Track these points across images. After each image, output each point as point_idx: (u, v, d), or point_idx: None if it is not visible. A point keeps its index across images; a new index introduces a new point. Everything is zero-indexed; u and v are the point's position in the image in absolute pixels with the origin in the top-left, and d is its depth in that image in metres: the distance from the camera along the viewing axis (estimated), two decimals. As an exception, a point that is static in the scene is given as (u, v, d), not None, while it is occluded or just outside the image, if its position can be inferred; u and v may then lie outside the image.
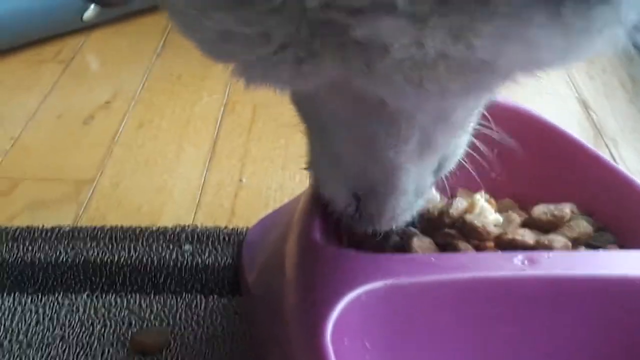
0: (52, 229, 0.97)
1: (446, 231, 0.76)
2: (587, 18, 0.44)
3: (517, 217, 0.79)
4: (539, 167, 0.86)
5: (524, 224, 0.79)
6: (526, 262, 0.65)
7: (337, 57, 0.47)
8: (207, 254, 0.93)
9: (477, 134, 0.69)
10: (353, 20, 0.43)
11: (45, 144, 1.19)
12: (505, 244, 0.74)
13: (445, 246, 0.74)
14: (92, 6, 1.51)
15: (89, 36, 1.54)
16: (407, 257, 0.69)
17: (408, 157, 0.61)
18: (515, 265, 0.65)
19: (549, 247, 0.72)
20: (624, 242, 0.77)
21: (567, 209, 0.80)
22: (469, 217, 0.76)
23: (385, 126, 0.58)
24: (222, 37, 0.47)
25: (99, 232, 0.96)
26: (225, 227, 0.98)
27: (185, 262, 0.92)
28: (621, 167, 1.11)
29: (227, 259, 0.92)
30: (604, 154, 1.14)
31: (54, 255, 0.92)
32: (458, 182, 0.73)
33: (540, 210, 0.80)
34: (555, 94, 1.34)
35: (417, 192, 0.66)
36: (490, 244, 0.76)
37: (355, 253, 0.67)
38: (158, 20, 1.61)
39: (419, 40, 0.43)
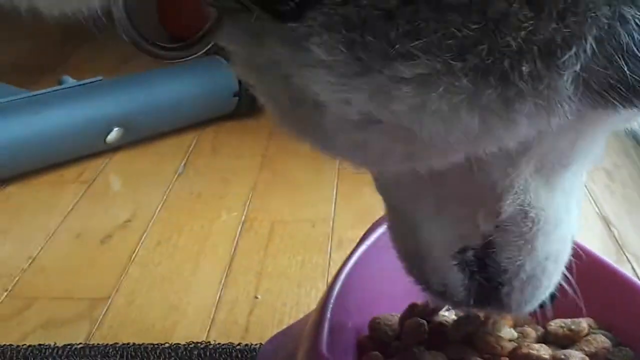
0: (64, 346, 0.96)
1: (459, 345, 0.75)
2: (507, 108, 0.46)
3: (532, 332, 0.77)
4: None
5: (540, 339, 0.77)
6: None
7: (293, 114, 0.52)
8: (218, 372, 0.92)
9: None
10: (294, 72, 0.48)
11: (62, 263, 1.20)
12: (520, 359, 0.72)
13: (456, 361, 0.72)
14: (116, 129, 1.54)
15: (112, 158, 1.57)
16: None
17: None
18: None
19: (565, 360, 0.71)
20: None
21: (584, 323, 0.78)
22: (482, 331, 0.75)
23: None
24: None
25: (111, 350, 0.95)
26: (239, 344, 0.97)
27: (196, 380, 0.90)
28: (643, 282, 1.09)
29: (239, 377, 0.91)
30: (625, 269, 1.13)
31: (64, 374, 0.91)
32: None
33: (557, 325, 0.78)
34: (576, 209, 1.33)
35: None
36: (504, 359, 0.74)
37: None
38: (180, 141, 1.65)
39: (347, 99, 0.47)
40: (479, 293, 0.65)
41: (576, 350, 0.74)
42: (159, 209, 1.36)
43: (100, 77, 1.62)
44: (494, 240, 0.62)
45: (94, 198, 1.41)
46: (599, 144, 0.60)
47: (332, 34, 0.46)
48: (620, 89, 0.45)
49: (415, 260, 0.68)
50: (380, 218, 0.89)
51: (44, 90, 1.56)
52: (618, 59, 0.44)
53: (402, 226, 0.67)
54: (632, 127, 0.58)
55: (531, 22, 0.43)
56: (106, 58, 1.90)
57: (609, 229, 1.26)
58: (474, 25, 0.43)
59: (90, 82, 1.60)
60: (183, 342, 0.97)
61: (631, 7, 0.43)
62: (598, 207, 1.33)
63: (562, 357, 0.72)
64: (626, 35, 0.44)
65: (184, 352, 0.95)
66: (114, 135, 1.55)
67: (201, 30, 0.55)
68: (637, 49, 0.44)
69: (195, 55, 0.56)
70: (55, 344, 0.97)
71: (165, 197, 1.40)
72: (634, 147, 1.53)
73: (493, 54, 0.44)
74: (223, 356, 0.94)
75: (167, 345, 0.96)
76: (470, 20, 0.43)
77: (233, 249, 1.22)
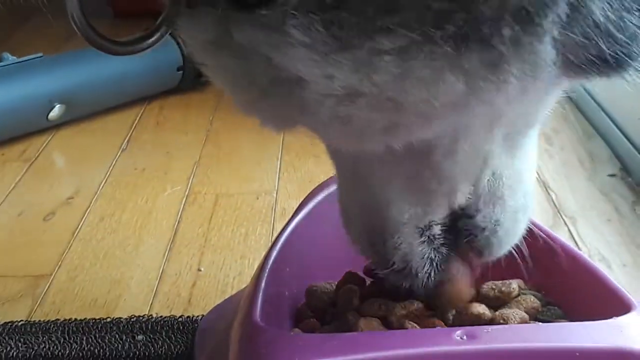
0: (4, 324, 0.96)
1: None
2: (494, 70, 0.48)
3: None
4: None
5: (473, 300, 0.79)
6: (465, 337, 0.65)
7: (279, 94, 0.53)
8: (160, 344, 0.92)
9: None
10: (275, 53, 0.50)
11: (4, 241, 1.19)
12: (464, 318, 0.73)
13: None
14: (58, 106, 1.53)
15: (55, 135, 1.56)
16: (347, 336, 0.68)
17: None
18: (454, 339, 0.65)
19: (506, 322, 0.72)
20: (573, 318, 0.77)
21: (514, 284, 0.79)
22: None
23: None
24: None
25: (52, 326, 0.95)
26: (181, 316, 0.98)
27: (138, 352, 0.91)
28: (580, 244, 1.12)
29: (181, 348, 0.92)
30: (562, 232, 1.15)
31: (4, 351, 0.91)
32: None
33: (489, 287, 0.80)
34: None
35: None
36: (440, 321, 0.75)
37: (294, 334, 0.67)
38: (124, 117, 1.64)
39: (329, 74, 0.49)
40: (442, 264, 0.68)
41: (515, 309, 0.75)
42: (102, 185, 1.36)
43: (40, 54, 1.60)
44: (467, 206, 0.66)
45: (37, 175, 1.41)
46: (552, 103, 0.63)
47: (307, 16, 0.47)
48: (597, 63, 0.49)
49: (375, 239, 0.68)
50: (316, 188, 0.90)
51: (-17, 68, 1.53)
52: (593, 34, 0.47)
53: (362, 206, 0.68)
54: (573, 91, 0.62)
55: None
56: (48, 35, 1.88)
57: (547, 192, 1.29)
58: None
59: (31, 59, 1.58)
60: (125, 316, 0.98)
61: None
62: (537, 171, 1.35)
63: (502, 319, 0.73)
64: (598, 10, 0.46)
65: (126, 326, 0.95)
66: (56, 112, 1.53)
67: (153, 19, 0.56)
68: (609, 25, 0.47)
69: (148, 49, 0.56)
70: (-4, 321, 0.97)
71: (108, 173, 1.40)
72: (573, 111, 1.55)
73: (470, 21, 0.46)
74: (165, 328, 0.94)
75: (109, 319, 0.96)
76: None
77: (176, 223, 1.23)
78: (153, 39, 0.55)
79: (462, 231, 0.67)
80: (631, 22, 0.47)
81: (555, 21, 0.46)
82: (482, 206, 0.66)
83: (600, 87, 0.55)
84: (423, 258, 0.67)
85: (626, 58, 0.49)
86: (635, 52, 0.49)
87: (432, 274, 0.68)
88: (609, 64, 0.49)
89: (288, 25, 0.48)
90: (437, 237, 0.67)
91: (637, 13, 0.47)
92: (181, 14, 0.54)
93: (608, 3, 0.47)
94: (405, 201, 0.65)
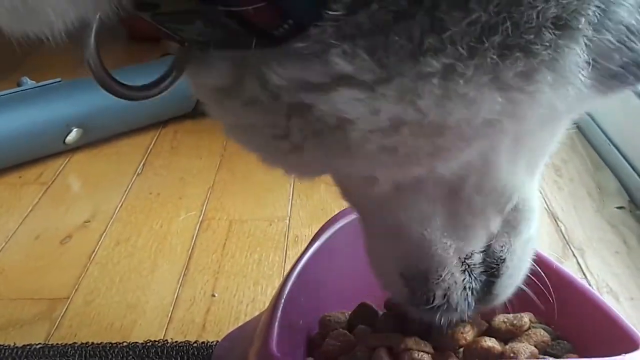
0: (23, 347, 0.97)
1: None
2: (529, 80, 0.48)
3: (475, 327, 0.80)
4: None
5: (484, 333, 0.80)
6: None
7: (316, 143, 0.53)
8: (175, 369, 0.94)
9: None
10: (316, 99, 0.49)
11: (22, 264, 1.21)
12: (473, 352, 0.75)
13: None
14: (75, 130, 1.55)
15: (71, 158, 1.59)
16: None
17: None
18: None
19: (516, 356, 0.73)
20: (582, 352, 0.78)
21: (526, 318, 0.81)
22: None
23: None
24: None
25: (70, 349, 0.97)
26: (196, 342, 0.99)
27: (154, 377, 0.93)
28: (588, 276, 1.13)
29: (195, 374, 0.93)
30: (570, 264, 1.17)
31: (23, 373, 0.93)
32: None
33: (500, 320, 0.81)
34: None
35: None
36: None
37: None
38: (139, 141, 1.66)
39: (374, 108, 0.49)
40: (479, 292, 0.69)
41: (525, 343, 0.77)
42: (118, 209, 1.38)
43: (59, 79, 1.62)
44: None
45: (53, 199, 1.43)
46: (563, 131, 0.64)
47: (350, 43, 0.47)
48: (633, 67, 0.50)
49: (415, 279, 0.68)
50: (332, 217, 0.92)
51: (2, 92, 1.56)
52: (625, 38, 0.48)
53: (397, 247, 0.68)
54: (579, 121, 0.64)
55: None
56: (65, 59, 1.90)
57: (556, 223, 1.30)
58: (494, 8, 0.45)
59: (49, 84, 1.61)
60: (141, 341, 0.99)
61: None
62: (546, 202, 1.37)
63: (512, 353, 0.74)
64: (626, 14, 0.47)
65: (142, 351, 0.97)
66: (73, 136, 1.56)
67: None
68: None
69: (160, 95, 0.57)
70: (14, 344, 0.98)
71: (124, 197, 1.42)
72: (582, 142, 1.57)
73: (515, 29, 0.46)
74: (180, 354, 0.96)
75: (125, 344, 0.98)
76: (490, 2, 0.45)
77: (191, 248, 1.25)
78: (165, 83, 0.55)
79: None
80: None
81: (587, 26, 0.47)
82: (500, 233, 0.67)
83: (609, 119, 0.56)
84: (465, 289, 0.68)
85: None
86: None
87: (471, 302, 0.69)
88: None
89: (331, 55, 0.47)
90: (478, 265, 0.68)
91: None
92: (192, 58, 0.54)
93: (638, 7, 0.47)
94: (447, 237, 0.65)
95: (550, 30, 0.46)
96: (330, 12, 0.46)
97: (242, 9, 0.47)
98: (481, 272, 0.68)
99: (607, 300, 1.01)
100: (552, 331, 0.80)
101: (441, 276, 0.67)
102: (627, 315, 1.02)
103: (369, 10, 0.46)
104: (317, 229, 0.90)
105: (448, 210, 0.64)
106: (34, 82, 1.61)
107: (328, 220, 0.91)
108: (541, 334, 0.79)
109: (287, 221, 1.33)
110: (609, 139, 1.51)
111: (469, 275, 0.68)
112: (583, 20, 0.47)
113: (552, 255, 0.90)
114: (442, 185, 0.60)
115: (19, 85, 1.60)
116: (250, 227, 1.31)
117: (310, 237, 0.90)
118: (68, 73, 1.70)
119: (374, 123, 0.50)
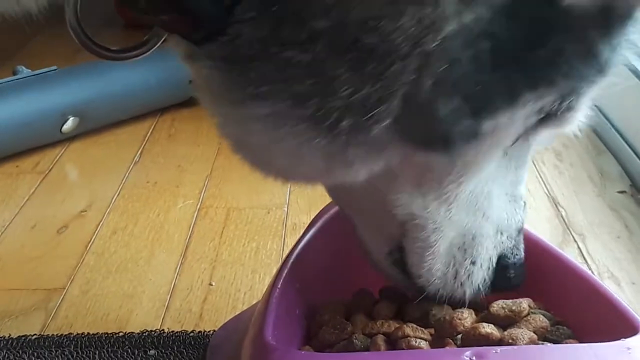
0: (18, 337, 0.97)
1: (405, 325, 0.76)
2: (343, 152, 0.56)
3: (472, 313, 0.79)
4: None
5: (482, 319, 0.79)
6: (474, 357, 0.66)
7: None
8: (172, 359, 0.93)
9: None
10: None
11: (17, 254, 1.20)
12: (472, 338, 0.74)
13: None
14: (71, 118, 1.54)
15: (68, 147, 1.58)
16: (356, 356, 0.69)
17: None
18: (463, 360, 0.65)
19: (514, 342, 0.73)
20: (582, 337, 0.77)
21: (524, 304, 0.80)
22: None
23: None
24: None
25: (65, 340, 0.96)
26: (192, 331, 0.99)
27: (150, 367, 0.92)
28: (589, 261, 1.12)
29: (192, 363, 0.92)
30: (571, 249, 1.16)
31: (18, 364, 0.92)
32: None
33: (499, 306, 0.80)
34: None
35: None
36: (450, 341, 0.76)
37: (305, 352, 0.67)
38: (137, 129, 1.65)
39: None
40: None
41: (524, 329, 0.76)
42: (115, 198, 1.37)
43: (55, 67, 1.61)
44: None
45: (50, 188, 1.42)
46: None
47: (216, 62, 0.55)
48: (433, 136, 0.55)
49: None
50: (327, 205, 0.91)
51: (-2, 81, 1.55)
52: (425, 113, 0.53)
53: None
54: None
55: (353, 84, 0.51)
56: (61, 47, 1.89)
57: (557, 208, 1.29)
58: (309, 81, 0.51)
59: (45, 72, 1.59)
60: (137, 331, 0.99)
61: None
62: (546, 187, 1.36)
63: (511, 339, 0.74)
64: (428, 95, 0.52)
65: (138, 341, 0.96)
66: (69, 124, 1.55)
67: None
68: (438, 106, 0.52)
69: (143, 56, 0.64)
70: (9, 335, 0.97)
71: (121, 186, 1.41)
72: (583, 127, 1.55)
73: (324, 107, 0.52)
74: (177, 343, 0.95)
75: (121, 334, 0.97)
76: (308, 76, 0.51)
77: (188, 237, 1.24)
78: (142, 49, 0.64)
79: None
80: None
81: (391, 110, 0.52)
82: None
83: (610, 103, 0.59)
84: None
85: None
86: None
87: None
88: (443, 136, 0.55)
89: (202, 67, 0.57)
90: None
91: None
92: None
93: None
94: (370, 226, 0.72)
95: (353, 116, 0.52)
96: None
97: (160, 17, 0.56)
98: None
99: (609, 285, 1.00)
100: (551, 317, 0.79)
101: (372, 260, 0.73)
102: (628, 300, 1.02)
103: (237, 42, 0.52)
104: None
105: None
106: (29, 70, 1.59)
107: (324, 207, 0.90)
108: (540, 319, 0.78)
109: (285, 209, 1.32)
110: (611, 123, 1.50)
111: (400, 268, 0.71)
112: (390, 104, 0.52)
113: (552, 240, 0.89)
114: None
115: (14, 73, 1.59)
116: (248, 215, 1.30)
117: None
118: (64, 61, 1.69)
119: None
